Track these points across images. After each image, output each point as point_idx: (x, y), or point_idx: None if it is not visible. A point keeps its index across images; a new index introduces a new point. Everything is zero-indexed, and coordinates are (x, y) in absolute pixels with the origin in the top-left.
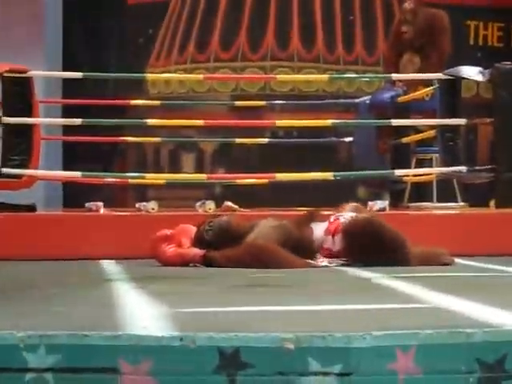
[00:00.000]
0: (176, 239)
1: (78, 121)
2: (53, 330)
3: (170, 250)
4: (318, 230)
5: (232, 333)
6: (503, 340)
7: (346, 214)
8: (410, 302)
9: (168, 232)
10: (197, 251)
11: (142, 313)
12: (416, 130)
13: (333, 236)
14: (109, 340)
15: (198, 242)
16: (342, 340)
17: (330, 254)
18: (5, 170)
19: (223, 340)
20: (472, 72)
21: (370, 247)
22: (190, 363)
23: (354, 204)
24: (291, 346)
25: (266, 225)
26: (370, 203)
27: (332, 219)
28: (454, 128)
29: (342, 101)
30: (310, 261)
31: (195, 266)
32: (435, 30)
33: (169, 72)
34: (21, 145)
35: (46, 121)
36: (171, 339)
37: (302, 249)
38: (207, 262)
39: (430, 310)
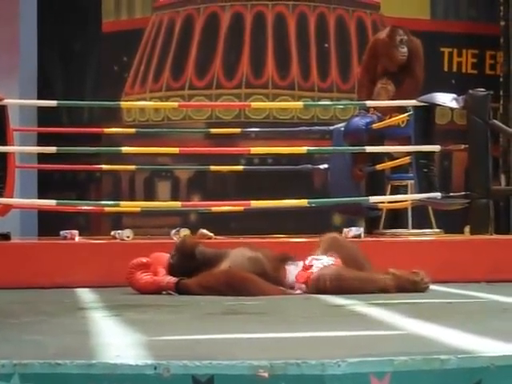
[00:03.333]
0: (152, 268)
1: (52, 149)
2: (27, 359)
3: (144, 277)
4: (292, 271)
5: (206, 361)
6: (478, 366)
7: (321, 260)
8: (385, 328)
9: (144, 260)
10: (170, 279)
11: (116, 341)
12: (391, 156)
13: (306, 285)
14: (82, 368)
15: (170, 269)
16: (317, 367)
17: None
18: None
19: (197, 368)
20: (446, 99)
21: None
22: None
23: (330, 237)
24: (265, 374)
25: (240, 254)
26: (344, 230)
27: (308, 262)
28: (429, 155)
29: (316, 128)
30: (284, 288)
31: (169, 293)
32: (412, 58)
33: (144, 100)
34: None
35: (20, 149)
36: (145, 367)
37: (274, 285)
38: (181, 290)
39: (404, 337)
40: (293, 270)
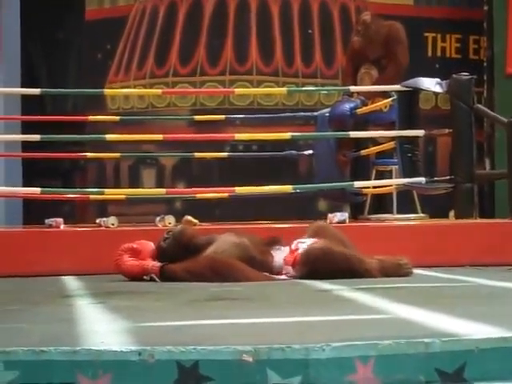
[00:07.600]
0: (141, 256)
1: (37, 137)
2: (11, 347)
3: (131, 261)
4: (279, 256)
5: (191, 346)
6: (462, 349)
7: (306, 242)
8: (369, 312)
9: (134, 245)
10: (155, 263)
11: (100, 328)
12: (375, 141)
13: (293, 267)
14: (67, 355)
15: (158, 253)
16: (301, 352)
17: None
18: None
19: (182, 354)
20: (430, 83)
21: (329, 275)
22: (149, 377)
23: (317, 224)
24: (250, 359)
25: (226, 240)
26: (329, 215)
27: (293, 246)
28: (413, 139)
29: (301, 114)
30: (269, 274)
31: (151, 278)
32: (391, 42)
33: (128, 87)
34: None
35: (5, 137)
36: (130, 354)
37: (261, 270)
38: (165, 274)
39: (388, 321)
40: (279, 255)
